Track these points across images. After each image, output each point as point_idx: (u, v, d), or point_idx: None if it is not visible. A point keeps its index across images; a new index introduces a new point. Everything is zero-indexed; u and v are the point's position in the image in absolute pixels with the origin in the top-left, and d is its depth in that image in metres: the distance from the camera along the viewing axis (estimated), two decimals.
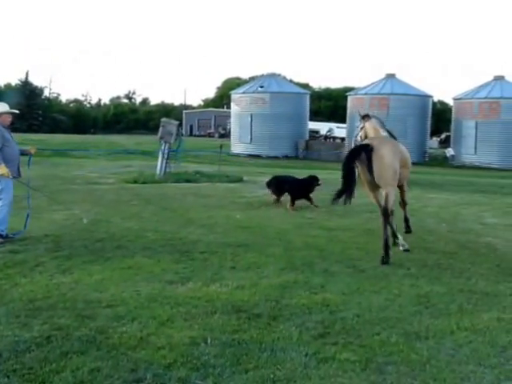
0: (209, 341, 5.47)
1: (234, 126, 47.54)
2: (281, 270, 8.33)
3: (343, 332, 5.87)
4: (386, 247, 9.28)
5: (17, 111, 11.05)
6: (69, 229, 10.97)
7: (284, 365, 5.03)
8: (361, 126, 11.45)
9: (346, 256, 9.36)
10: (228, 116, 64.28)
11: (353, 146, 11.98)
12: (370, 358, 5.25)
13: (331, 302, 6.80)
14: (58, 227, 10.94)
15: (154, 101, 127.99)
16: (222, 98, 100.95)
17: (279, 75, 51.85)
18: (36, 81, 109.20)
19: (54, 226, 10.82)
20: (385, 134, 10.81)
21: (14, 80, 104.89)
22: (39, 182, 14.97)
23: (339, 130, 53.61)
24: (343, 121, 49.44)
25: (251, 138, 44.53)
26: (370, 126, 11.08)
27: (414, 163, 11.84)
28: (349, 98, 45.54)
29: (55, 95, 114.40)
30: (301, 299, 6.90)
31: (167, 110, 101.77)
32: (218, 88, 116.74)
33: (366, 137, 11.06)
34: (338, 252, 9.65)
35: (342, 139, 47.48)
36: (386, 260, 9.11)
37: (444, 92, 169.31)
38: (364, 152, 9.75)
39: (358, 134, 11.63)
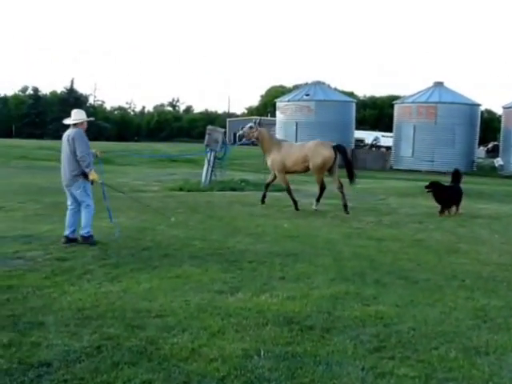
0: (262, 353, 5.31)
1: (278, 134, 47.32)
2: (331, 280, 8.16)
3: (399, 346, 5.66)
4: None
5: (93, 118, 11.36)
6: (116, 237, 10.94)
7: (341, 379, 4.85)
8: (255, 127, 16.06)
9: (397, 267, 9.13)
10: (271, 124, 64.17)
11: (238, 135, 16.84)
12: (429, 373, 5.04)
13: (385, 315, 6.59)
14: (105, 235, 10.92)
15: (198, 109, 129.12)
16: (266, 106, 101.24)
17: (324, 83, 51.60)
18: (81, 88, 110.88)
19: (101, 234, 10.80)
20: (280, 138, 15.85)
21: (60, 88, 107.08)
22: None
23: (385, 139, 53.09)
24: (388, 129, 48.99)
25: None
26: (265, 131, 16.42)
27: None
28: (395, 107, 45.09)
29: (100, 103, 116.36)
30: (353, 311, 6.71)
31: (211, 118, 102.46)
32: (262, 96, 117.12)
33: (257, 138, 16.07)
34: (389, 263, 9.43)
35: (388, 148, 46.98)
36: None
37: (490, 101, 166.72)
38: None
39: (244, 131, 16.31)
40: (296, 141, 43.97)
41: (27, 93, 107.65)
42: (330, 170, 15.74)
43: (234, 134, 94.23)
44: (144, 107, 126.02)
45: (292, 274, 8.45)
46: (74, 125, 10.50)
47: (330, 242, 11.06)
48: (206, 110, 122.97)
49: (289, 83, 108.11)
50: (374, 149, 51.79)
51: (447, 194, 15.59)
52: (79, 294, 7.14)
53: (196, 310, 6.58)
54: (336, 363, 5.16)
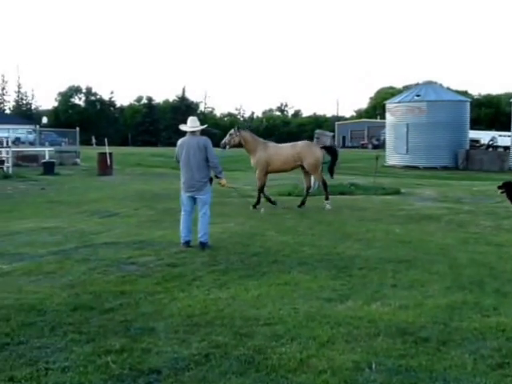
0: (373, 366, 5.09)
1: (389, 136, 46.53)
2: (447, 288, 7.79)
3: None
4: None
5: (207, 126, 12.17)
6: (225, 242, 11.00)
7: None
8: (235, 133, 16.79)
9: None
10: (382, 126, 63.22)
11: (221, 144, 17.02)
12: None
13: (507, 327, 6.16)
14: (214, 240, 10.98)
15: (306, 113, 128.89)
16: (375, 108, 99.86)
17: (435, 83, 50.14)
18: (192, 96, 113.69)
19: (210, 240, 10.88)
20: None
21: (172, 96, 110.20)
22: None
23: (502, 139, 51.01)
24: (505, 128, 46.99)
25: (407, 149, 43.29)
26: (247, 134, 17.16)
27: None
28: None
29: (210, 109, 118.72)
30: (472, 322, 6.33)
31: (319, 122, 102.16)
32: (371, 98, 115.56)
33: (240, 143, 16.87)
34: (510, 270, 8.90)
35: (506, 148, 45.04)
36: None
37: None
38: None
39: (225, 139, 16.96)
40: (407, 143, 43.21)
41: (142, 102, 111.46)
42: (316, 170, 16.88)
43: (343, 138, 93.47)
44: (253, 112, 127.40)
45: (404, 282, 8.14)
46: (192, 132, 10.77)
47: (444, 248, 10.62)
48: (315, 114, 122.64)
49: (399, 84, 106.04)
50: (490, 149, 49.76)
51: None
52: (189, 300, 7.17)
53: (305, 319, 6.43)
54: (454, 380, 4.86)
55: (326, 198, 16.62)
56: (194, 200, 10.71)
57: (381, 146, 63.90)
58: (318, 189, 20.86)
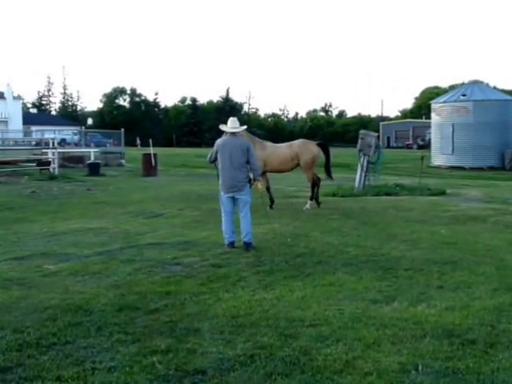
0: (420, 368, 5.02)
1: (434, 136, 45.89)
2: (494, 290, 7.65)
3: None
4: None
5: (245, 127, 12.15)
6: (269, 243, 10.99)
7: None
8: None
9: None
10: (427, 126, 62.46)
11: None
12: None
13: None
14: (259, 241, 10.99)
15: (351, 113, 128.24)
16: (421, 108, 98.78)
17: (482, 82, 49.28)
18: (236, 97, 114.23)
19: (255, 240, 10.89)
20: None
21: (216, 97, 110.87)
22: None
23: None
24: None
25: (453, 149, 42.63)
26: (243, 133, 15.18)
27: None
28: None
29: (254, 110, 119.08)
30: None
31: (364, 122, 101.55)
32: (416, 98, 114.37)
33: None
34: None
35: None
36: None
37: None
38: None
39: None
40: (453, 143, 42.53)
41: (186, 103, 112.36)
42: (310, 167, 16.76)
43: (388, 138, 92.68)
44: (297, 113, 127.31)
45: (451, 283, 8.02)
46: (232, 133, 10.88)
47: (491, 250, 10.43)
48: (359, 114, 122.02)
49: (444, 84, 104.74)
50: None
51: None
52: (233, 301, 7.19)
53: (350, 320, 6.38)
54: (502, 382, 4.78)
55: (310, 199, 16.69)
56: (233, 200, 10.76)
57: (426, 146, 63.15)
58: (363, 189, 20.77)
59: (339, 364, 5.15)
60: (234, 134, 10.93)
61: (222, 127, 11.17)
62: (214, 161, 11.07)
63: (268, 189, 16.58)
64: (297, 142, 17.26)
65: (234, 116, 12.10)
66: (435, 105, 46.40)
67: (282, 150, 16.89)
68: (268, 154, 16.62)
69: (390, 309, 6.83)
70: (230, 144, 10.75)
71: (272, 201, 16.48)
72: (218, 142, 10.98)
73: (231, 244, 10.60)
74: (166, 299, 7.24)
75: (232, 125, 10.95)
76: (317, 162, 17.04)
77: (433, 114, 46.65)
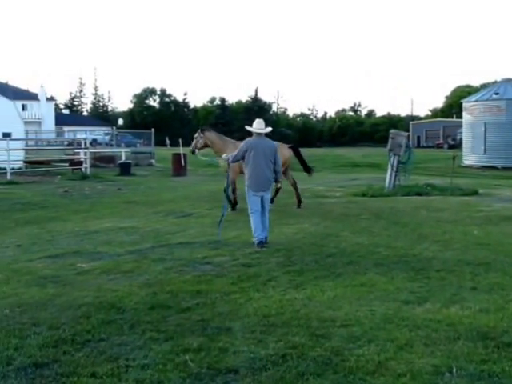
0: (454, 370, 4.97)
1: (465, 136, 45.29)
2: None
3: None
4: None
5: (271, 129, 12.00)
6: (299, 243, 10.97)
7: None
8: (199, 136, 16.91)
9: None
10: (458, 126, 61.73)
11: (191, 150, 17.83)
12: None
13: None
14: (289, 241, 10.99)
15: (380, 112, 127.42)
16: (451, 107, 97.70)
17: None
18: (264, 97, 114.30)
19: (285, 240, 10.87)
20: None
21: (245, 97, 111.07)
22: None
23: None
24: None
25: (485, 149, 42.02)
26: (212, 134, 17.20)
27: None
28: None
29: (282, 110, 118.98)
30: None
31: (393, 122, 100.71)
32: (447, 97, 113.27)
33: (205, 144, 16.95)
34: None
35: None
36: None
37: None
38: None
39: (192, 145, 17.23)
40: (485, 143, 41.97)
41: (215, 103, 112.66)
42: (285, 171, 16.13)
43: (418, 138, 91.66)
44: (326, 113, 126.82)
45: (484, 285, 7.92)
46: (259, 134, 11.01)
47: None
48: (389, 114, 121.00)
49: (476, 82, 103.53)
50: None
51: None
52: (264, 300, 7.19)
53: (382, 321, 6.35)
54: None
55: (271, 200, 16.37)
56: (260, 199, 10.87)
57: (457, 145, 62.38)
58: (393, 189, 20.63)
59: (372, 365, 5.12)
60: (260, 134, 11.05)
61: (249, 128, 11.31)
62: (237, 160, 11.24)
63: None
64: None
65: (262, 116, 12.23)
66: (467, 104, 45.81)
67: None
68: None
69: (423, 310, 6.78)
70: (260, 144, 10.93)
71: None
72: (250, 142, 11.03)
73: (263, 241, 10.59)
74: (198, 298, 7.28)
75: (258, 126, 11.10)
76: (290, 164, 17.16)
77: (464, 113, 46.06)
